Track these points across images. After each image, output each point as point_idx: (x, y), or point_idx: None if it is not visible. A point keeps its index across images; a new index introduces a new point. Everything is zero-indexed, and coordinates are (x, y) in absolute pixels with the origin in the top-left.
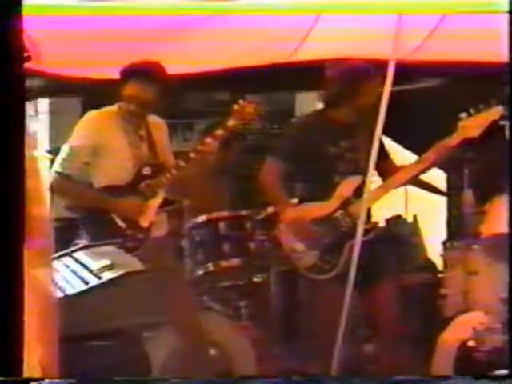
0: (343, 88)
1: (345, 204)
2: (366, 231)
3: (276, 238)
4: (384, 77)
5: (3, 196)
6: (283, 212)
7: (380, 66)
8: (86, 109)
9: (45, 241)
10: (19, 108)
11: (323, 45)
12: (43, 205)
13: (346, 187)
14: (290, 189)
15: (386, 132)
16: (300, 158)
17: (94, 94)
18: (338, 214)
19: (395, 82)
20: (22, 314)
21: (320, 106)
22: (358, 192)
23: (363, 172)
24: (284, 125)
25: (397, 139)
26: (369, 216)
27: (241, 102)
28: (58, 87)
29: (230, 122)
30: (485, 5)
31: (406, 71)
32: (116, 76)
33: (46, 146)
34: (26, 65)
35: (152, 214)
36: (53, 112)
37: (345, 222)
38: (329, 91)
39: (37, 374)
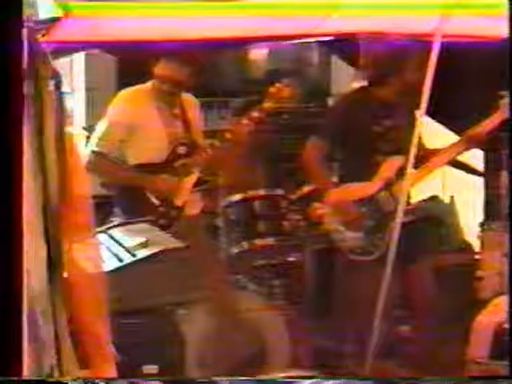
0: (389, 66)
1: (388, 185)
2: (407, 212)
3: (312, 216)
4: (428, 54)
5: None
6: (325, 191)
7: (423, 42)
8: (121, 86)
9: (87, 217)
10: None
11: (355, 19)
12: (83, 181)
13: (389, 167)
14: (332, 168)
15: (428, 111)
16: (343, 137)
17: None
18: (381, 194)
19: (440, 60)
20: (21, 314)
21: (361, 83)
22: (401, 172)
23: (405, 152)
24: (319, 104)
25: (439, 119)
26: (408, 197)
27: (277, 84)
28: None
29: (266, 104)
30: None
31: (451, 48)
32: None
33: (82, 124)
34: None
35: (186, 193)
36: (89, 89)
37: (388, 203)
38: (373, 69)
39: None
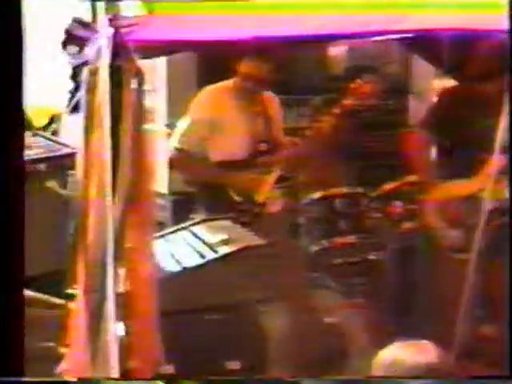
0: (493, 63)
1: (490, 183)
2: (505, 212)
3: (392, 214)
4: None
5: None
6: (428, 187)
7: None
8: (202, 83)
9: (152, 215)
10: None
11: (436, 16)
12: (155, 179)
13: (492, 165)
14: (436, 163)
15: None
16: (447, 133)
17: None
18: (483, 192)
19: None
20: (22, 314)
21: (445, 80)
22: (503, 171)
23: (508, 151)
24: (399, 101)
25: None
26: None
27: (358, 81)
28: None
29: (346, 101)
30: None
31: None
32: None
33: (163, 121)
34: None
35: (268, 190)
36: (170, 87)
37: (490, 202)
38: (477, 66)
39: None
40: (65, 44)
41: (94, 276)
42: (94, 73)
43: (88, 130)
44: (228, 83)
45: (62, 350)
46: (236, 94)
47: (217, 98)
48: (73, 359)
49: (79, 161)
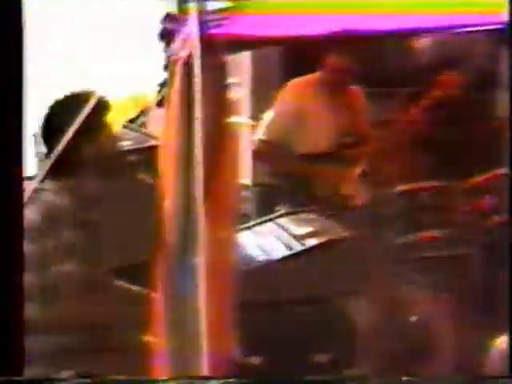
0: None
1: None
2: None
3: (482, 208)
4: None
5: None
6: None
7: None
8: (286, 76)
9: (234, 205)
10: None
11: None
12: (237, 171)
13: None
14: None
15: None
16: None
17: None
18: None
19: None
20: (21, 314)
21: None
22: None
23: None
24: (487, 94)
25: None
26: None
27: (445, 73)
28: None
29: (434, 93)
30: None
31: None
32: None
33: (248, 113)
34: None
35: (353, 183)
36: (255, 79)
37: None
38: None
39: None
40: (161, 37)
41: (174, 267)
42: (177, 65)
43: (169, 121)
44: (314, 76)
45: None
46: (322, 86)
47: (303, 90)
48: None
49: (161, 152)
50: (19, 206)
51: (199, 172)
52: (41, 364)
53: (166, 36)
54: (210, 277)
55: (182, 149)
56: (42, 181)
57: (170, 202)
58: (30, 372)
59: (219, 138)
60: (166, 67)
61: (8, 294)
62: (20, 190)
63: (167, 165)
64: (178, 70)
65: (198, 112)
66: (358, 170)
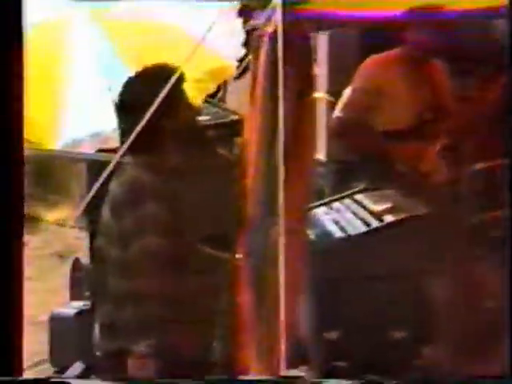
0: None
1: None
2: None
3: None
4: None
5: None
6: None
7: None
8: (365, 52)
9: (309, 183)
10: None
11: None
12: (315, 146)
13: None
14: None
15: None
16: None
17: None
18: None
19: None
20: (21, 315)
21: None
22: None
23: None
24: None
25: None
26: None
27: None
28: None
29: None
30: None
31: None
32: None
33: (327, 89)
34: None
35: (432, 159)
36: (334, 55)
37: None
38: None
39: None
40: (240, 12)
41: (254, 240)
42: (262, 40)
43: (253, 96)
44: (395, 51)
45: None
46: (403, 61)
47: (382, 66)
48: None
49: (245, 127)
50: (19, 201)
51: (281, 146)
52: (125, 335)
53: (245, 12)
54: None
55: (265, 123)
56: (124, 155)
57: (252, 175)
58: (111, 345)
59: (301, 113)
60: (245, 43)
61: (8, 294)
62: (20, 190)
63: (251, 138)
64: (263, 45)
65: (281, 87)
66: (438, 147)
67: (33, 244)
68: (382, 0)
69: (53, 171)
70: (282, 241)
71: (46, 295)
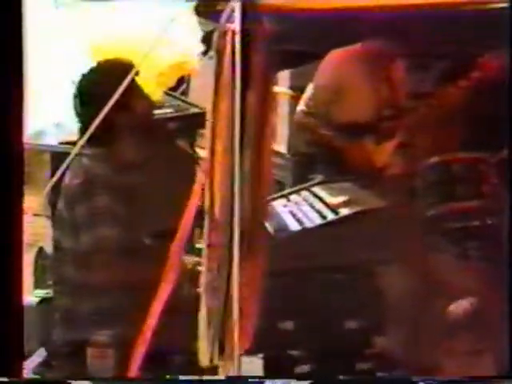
0: None
1: None
2: None
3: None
4: None
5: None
6: None
7: None
8: (326, 48)
9: (271, 173)
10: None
11: None
12: (275, 139)
13: None
14: None
15: None
16: None
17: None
18: None
19: None
20: (21, 314)
21: None
22: None
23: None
24: None
25: None
26: None
27: (486, 55)
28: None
29: (474, 74)
30: None
31: None
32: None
33: (287, 84)
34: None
35: (388, 154)
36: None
37: None
38: None
39: None
40: (197, 8)
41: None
42: (224, 36)
43: (217, 91)
44: (355, 47)
45: None
46: (363, 58)
47: (343, 61)
48: None
49: (207, 121)
50: (19, 198)
51: (244, 140)
52: (80, 325)
53: (208, 6)
54: (244, 244)
55: (227, 118)
56: (83, 147)
57: (215, 170)
58: (69, 334)
59: (260, 108)
60: (204, 39)
61: (8, 294)
62: (20, 192)
63: (213, 133)
64: (226, 42)
65: (239, 83)
66: (394, 142)
67: None
68: None
69: None
70: (237, 233)
71: None
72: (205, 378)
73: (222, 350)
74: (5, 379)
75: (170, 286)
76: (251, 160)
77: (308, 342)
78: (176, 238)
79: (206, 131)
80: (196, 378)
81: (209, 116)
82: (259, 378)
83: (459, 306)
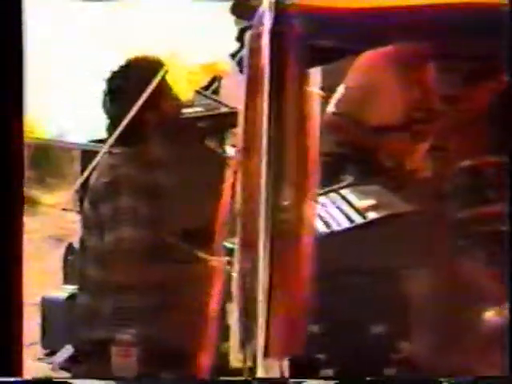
0: None
1: None
2: None
3: None
4: None
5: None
6: None
7: None
8: (359, 48)
9: (312, 175)
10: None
11: None
12: (314, 139)
13: None
14: None
15: None
16: None
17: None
18: None
19: None
20: (21, 314)
21: None
22: None
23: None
24: None
25: None
26: None
27: None
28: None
29: (503, 78)
30: None
31: None
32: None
33: (319, 84)
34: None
35: (419, 157)
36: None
37: None
38: None
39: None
40: (234, 7)
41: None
42: (255, 36)
43: (249, 91)
44: (387, 49)
45: None
46: (396, 60)
47: (375, 63)
48: None
49: (239, 121)
50: (19, 198)
51: (265, 142)
52: (103, 324)
53: (244, 6)
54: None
55: (258, 118)
56: (111, 145)
57: (244, 170)
58: (93, 332)
59: (295, 108)
60: (238, 38)
61: (8, 293)
62: (20, 192)
63: (245, 133)
64: (254, 41)
65: (267, 83)
66: (425, 145)
67: (30, 226)
68: None
69: (51, 155)
70: (265, 235)
71: (41, 277)
72: (234, 378)
73: (252, 352)
74: (5, 379)
75: (218, 288)
76: (290, 160)
77: (333, 345)
78: (212, 239)
79: (238, 131)
80: (225, 378)
81: (240, 115)
82: (286, 379)
83: (493, 315)
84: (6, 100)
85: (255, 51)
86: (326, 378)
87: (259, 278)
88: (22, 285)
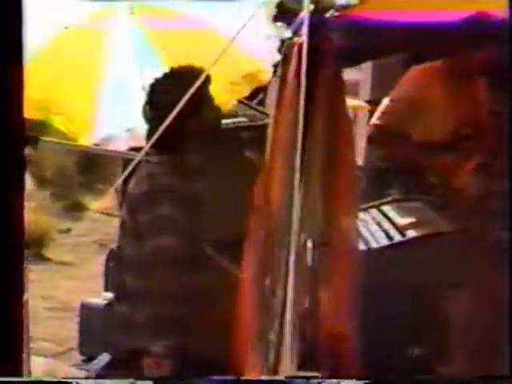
0: None
1: None
2: None
3: None
4: None
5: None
6: None
7: None
8: (408, 62)
9: (353, 189)
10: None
11: None
12: (355, 152)
13: None
14: None
15: None
16: None
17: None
18: None
19: None
20: (21, 314)
21: None
22: None
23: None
24: None
25: None
26: None
27: None
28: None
29: None
30: None
31: None
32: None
33: (366, 96)
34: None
35: (467, 175)
36: (376, 64)
37: None
38: None
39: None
40: (275, 17)
41: (274, 250)
42: (291, 47)
43: (279, 102)
44: (437, 64)
45: None
46: (445, 75)
47: (424, 77)
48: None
49: (269, 132)
50: (19, 200)
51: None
52: (138, 334)
53: (286, 16)
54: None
55: (289, 131)
56: (149, 154)
57: (274, 182)
58: (127, 341)
59: (331, 121)
60: (279, 49)
61: (8, 294)
62: (20, 192)
63: (275, 144)
64: (293, 54)
65: (303, 95)
66: (474, 163)
67: (77, 231)
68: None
69: (99, 162)
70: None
71: (84, 282)
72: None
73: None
74: (5, 379)
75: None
76: (331, 174)
77: (368, 363)
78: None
79: (268, 142)
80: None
81: (270, 127)
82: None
83: None
84: (5, 100)
85: (288, 62)
86: None
87: (291, 294)
88: (23, 285)
